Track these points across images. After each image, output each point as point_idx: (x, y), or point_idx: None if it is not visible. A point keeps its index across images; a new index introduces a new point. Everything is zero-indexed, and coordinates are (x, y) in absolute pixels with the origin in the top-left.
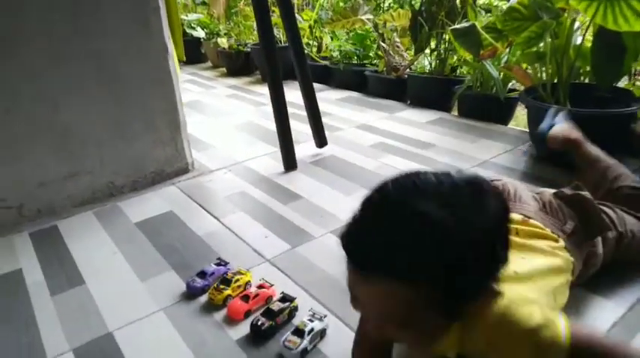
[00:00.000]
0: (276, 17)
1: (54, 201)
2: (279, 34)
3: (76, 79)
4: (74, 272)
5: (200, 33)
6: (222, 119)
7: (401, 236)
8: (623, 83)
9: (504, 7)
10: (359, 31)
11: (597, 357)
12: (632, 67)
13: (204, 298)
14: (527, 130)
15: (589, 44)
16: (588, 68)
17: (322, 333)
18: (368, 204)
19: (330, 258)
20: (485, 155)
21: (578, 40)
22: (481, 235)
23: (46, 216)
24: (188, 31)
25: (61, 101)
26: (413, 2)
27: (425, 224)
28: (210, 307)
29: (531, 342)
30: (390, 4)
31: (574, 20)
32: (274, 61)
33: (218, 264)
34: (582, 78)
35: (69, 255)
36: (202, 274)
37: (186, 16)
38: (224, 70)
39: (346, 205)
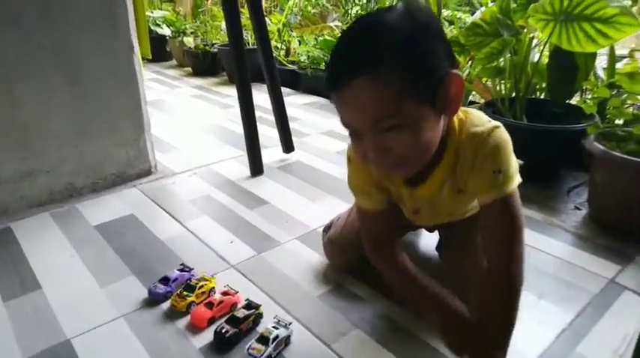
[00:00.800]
0: (245, 19)
1: (8, 201)
2: (247, 36)
3: (37, 73)
4: (29, 277)
5: (166, 31)
6: (187, 120)
7: (364, 40)
8: (575, 100)
9: (467, 19)
10: (327, 37)
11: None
12: (583, 86)
13: (166, 305)
14: None
15: (546, 60)
16: (544, 84)
17: (287, 340)
18: (339, 39)
19: (295, 264)
20: None
21: (536, 57)
22: (426, 19)
23: None
24: (153, 28)
25: (20, 95)
26: None
27: (380, 24)
28: (173, 314)
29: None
30: (357, 11)
31: (532, 38)
32: (243, 62)
33: (181, 270)
34: (538, 94)
35: (23, 258)
36: (165, 280)
37: (152, 12)
38: (189, 69)
39: (312, 211)
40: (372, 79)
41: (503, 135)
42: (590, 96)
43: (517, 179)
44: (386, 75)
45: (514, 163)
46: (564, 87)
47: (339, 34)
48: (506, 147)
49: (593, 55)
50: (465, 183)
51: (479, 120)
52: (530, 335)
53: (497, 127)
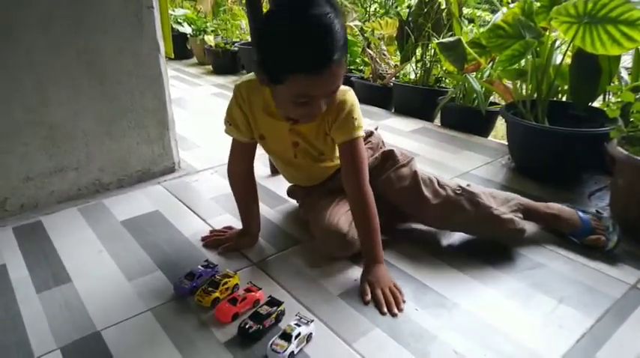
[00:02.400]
0: None
1: (38, 196)
2: None
3: (67, 73)
4: (60, 269)
5: (187, 29)
6: (207, 118)
7: (331, 35)
8: (598, 103)
9: (487, 17)
10: (347, 37)
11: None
12: (607, 89)
13: (191, 300)
14: (506, 143)
15: (569, 60)
16: (566, 87)
17: (308, 337)
18: (303, 31)
19: (316, 262)
20: (466, 166)
21: (558, 60)
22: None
23: (30, 211)
24: (175, 26)
25: (51, 94)
26: (400, 12)
27: (332, 20)
28: (198, 309)
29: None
30: (375, 8)
31: (555, 40)
32: None
33: (206, 266)
34: (560, 96)
35: (54, 251)
36: (190, 276)
37: (173, 11)
38: (210, 67)
39: None
40: (339, 64)
41: (354, 96)
42: (613, 100)
43: (362, 131)
44: (342, 61)
45: (361, 118)
46: (587, 90)
47: (297, 26)
48: (357, 104)
49: (618, 58)
50: (329, 128)
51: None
52: (550, 340)
53: (349, 91)
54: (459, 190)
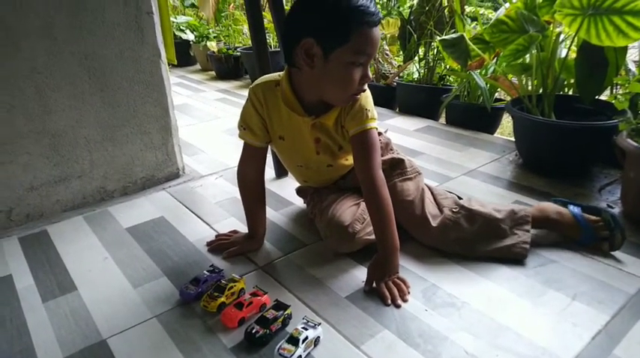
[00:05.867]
0: (266, 22)
1: (43, 205)
2: (270, 38)
3: (68, 80)
4: (65, 278)
5: (189, 36)
6: (211, 123)
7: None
8: (605, 96)
9: (490, 15)
10: None
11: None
12: (614, 81)
13: (197, 305)
14: (513, 139)
15: (574, 54)
16: (572, 80)
17: (316, 341)
18: None
19: (322, 265)
20: (472, 164)
21: (563, 53)
22: None
23: (35, 220)
24: (177, 33)
25: (52, 101)
26: (402, 11)
27: None
28: (204, 314)
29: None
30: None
31: (559, 33)
32: (266, 65)
33: (211, 272)
34: (566, 90)
35: (59, 260)
36: (196, 281)
37: (176, 18)
38: (213, 73)
39: None
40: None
41: (368, 89)
42: (621, 92)
43: (375, 123)
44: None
45: (374, 110)
46: (593, 82)
47: None
48: (370, 96)
49: (624, 49)
50: (344, 119)
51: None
52: (564, 337)
53: None
54: (455, 208)
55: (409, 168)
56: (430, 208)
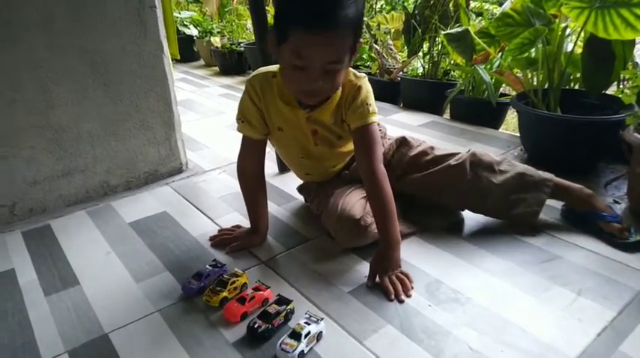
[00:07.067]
0: (270, 17)
1: (46, 199)
2: None
3: (70, 74)
4: (68, 272)
5: (193, 31)
6: (215, 118)
7: (339, 5)
8: (612, 90)
9: (495, 10)
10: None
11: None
12: (621, 75)
13: (199, 300)
14: (518, 134)
15: (580, 49)
16: (579, 75)
17: (319, 336)
18: None
19: (325, 260)
20: None
21: (569, 47)
22: (363, 8)
23: (39, 214)
24: (181, 28)
25: (55, 97)
26: (406, 5)
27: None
28: (207, 309)
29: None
30: (382, 5)
31: (565, 27)
32: (269, 60)
33: (214, 266)
34: (573, 84)
35: (62, 254)
36: (198, 276)
37: (179, 13)
38: (217, 68)
39: None
40: (340, 34)
41: (369, 84)
42: (628, 86)
43: (376, 117)
44: (346, 34)
45: (375, 105)
46: (600, 76)
47: None
48: (371, 91)
49: (632, 42)
50: (345, 114)
51: (353, 74)
52: (569, 334)
53: (364, 78)
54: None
55: (412, 141)
56: (449, 156)
